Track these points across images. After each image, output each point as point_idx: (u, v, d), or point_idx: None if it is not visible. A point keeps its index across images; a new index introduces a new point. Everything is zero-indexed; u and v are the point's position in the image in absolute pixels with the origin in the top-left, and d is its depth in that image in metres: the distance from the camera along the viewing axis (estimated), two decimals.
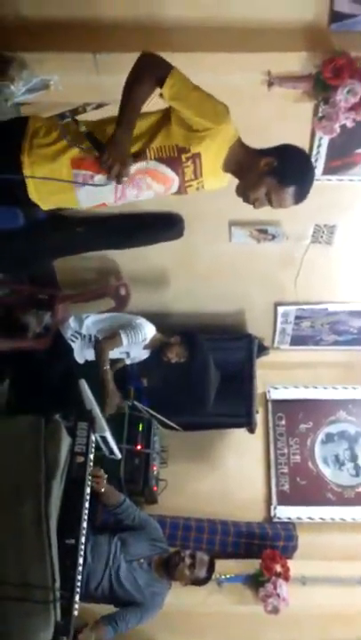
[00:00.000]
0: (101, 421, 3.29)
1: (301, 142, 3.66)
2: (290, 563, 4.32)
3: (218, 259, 4.74)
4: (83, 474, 3.04)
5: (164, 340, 4.00)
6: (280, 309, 5.20)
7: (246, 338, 5.14)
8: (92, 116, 3.27)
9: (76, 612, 2.83)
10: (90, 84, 3.43)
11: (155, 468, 4.51)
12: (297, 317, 5.26)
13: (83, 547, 2.92)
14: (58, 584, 2.73)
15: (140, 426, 4.47)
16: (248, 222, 4.44)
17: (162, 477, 4.66)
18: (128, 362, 4.14)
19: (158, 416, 4.49)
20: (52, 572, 2.73)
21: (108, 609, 3.38)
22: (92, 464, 3.11)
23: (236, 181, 2.50)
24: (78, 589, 2.85)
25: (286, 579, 4.20)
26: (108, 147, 2.27)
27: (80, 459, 3.07)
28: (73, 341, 3.96)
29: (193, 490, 4.84)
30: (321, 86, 3.41)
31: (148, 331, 3.96)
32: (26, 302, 4.62)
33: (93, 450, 3.15)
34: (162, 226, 4.05)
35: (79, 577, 2.87)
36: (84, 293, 4.78)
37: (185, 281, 4.95)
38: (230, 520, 4.65)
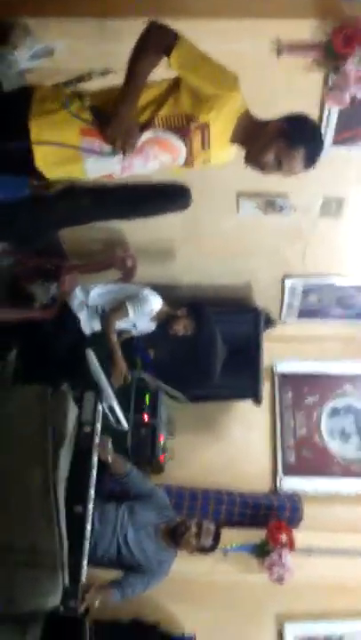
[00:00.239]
0: (108, 391, 3.30)
1: (311, 113, 3.61)
2: (295, 533, 4.36)
3: (225, 231, 4.72)
4: (90, 443, 3.07)
5: (171, 313, 3.99)
6: (287, 283, 5.18)
7: (253, 311, 5.14)
8: (97, 84, 3.23)
9: (83, 578, 2.87)
10: (95, 50, 3.40)
11: (161, 439, 4.54)
12: (304, 291, 5.25)
13: (90, 514, 2.95)
14: (66, 550, 2.77)
15: (147, 397, 4.50)
16: (256, 194, 4.41)
17: (168, 448, 4.69)
18: (134, 333, 4.15)
19: (165, 387, 4.50)
20: (60, 539, 2.77)
21: (116, 575, 3.42)
22: (99, 433, 3.13)
23: (242, 154, 2.48)
24: (86, 555, 2.89)
25: (291, 549, 4.24)
26: (112, 121, 2.26)
27: (87, 428, 3.09)
28: (79, 312, 3.97)
29: (199, 460, 4.88)
30: (331, 55, 3.36)
31: (155, 303, 3.96)
32: (32, 272, 4.61)
33: (100, 419, 3.17)
34: (168, 196, 4.02)
35: (87, 543, 2.91)
36: (90, 264, 4.77)
37: (192, 253, 4.94)
38: (236, 490, 4.69)
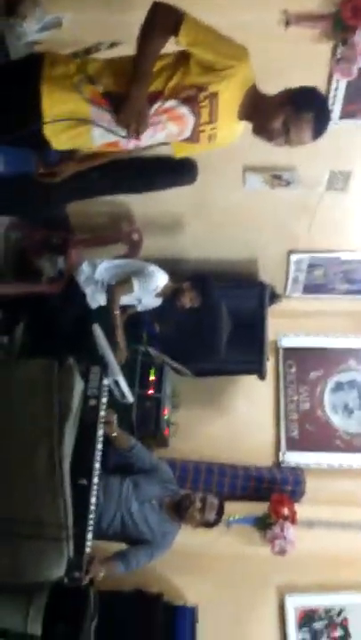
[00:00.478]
0: (114, 365, 3.31)
1: (318, 85, 3.58)
2: (297, 507, 4.39)
3: (231, 205, 4.69)
4: (95, 417, 3.08)
5: (176, 287, 4.00)
6: (293, 257, 5.17)
7: (259, 285, 5.14)
8: (105, 55, 3.20)
9: (88, 550, 2.91)
10: (103, 22, 3.36)
11: (166, 412, 4.56)
12: (310, 265, 5.24)
13: (95, 487, 2.98)
14: (71, 522, 2.80)
15: (152, 371, 4.52)
16: (262, 168, 4.38)
17: (173, 421, 4.72)
18: (139, 309, 4.15)
19: (170, 361, 4.52)
20: (65, 511, 2.80)
21: (120, 547, 3.46)
22: (104, 407, 3.15)
23: (249, 128, 2.47)
24: (91, 527, 2.92)
25: (293, 522, 4.28)
26: (124, 104, 2.26)
27: (93, 402, 3.10)
28: (86, 286, 3.97)
29: (203, 434, 4.90)
30: (340, 26, 3.33)
31: (160, 279, 3.96)
32: (39, 246, 4.62)
33: (106, 393, 3.19)
34: (175, 171, 4.00)
35: (92, 516, 2.94)
36: (97, 238, 4.77)
37: (198, 227, 4.92)
38: (240, 464, 4.72)
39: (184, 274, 4.12)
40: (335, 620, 4.27)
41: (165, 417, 4.56)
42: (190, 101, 2.33)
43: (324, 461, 4.98)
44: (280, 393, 5.25)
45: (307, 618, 4.27)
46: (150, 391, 4.47)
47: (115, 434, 3.40)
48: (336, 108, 3.78)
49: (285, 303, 5.38)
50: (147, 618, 3.91)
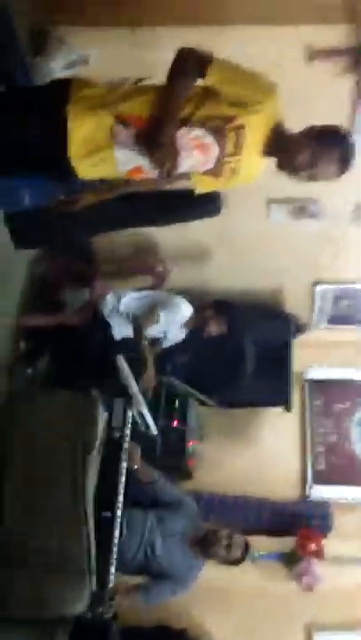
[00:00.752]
0: (138, 397, 3.31)
1: (342, 118, 3.61)
2: (324, 542, 4.33)
3: (256, 236, 4.70)
4: (119, 449, 3.08)
5: (200, 316, 3.99)
6: (318, 288, 5.15)
7: (284, 317, 5.12)
8: None
9: (111, 583, 2.89)
10: (129, 58, 3.42)
11: (191, 444, 4.54)
12: (335, 297, 5.21)
13: (119, 520, 2.96)
14: (94, 555, 2.79)
15: (177, 402, 4.50)
16: (287, 199, 4.40)
17: (197, 453, 4.68)
18: (166, 344, 4.14)
19: (195, 393, 4.50)
20: (89, 544, 2.79)
21: (143, 581, 3.42)
22: (128, 439, 3.14)
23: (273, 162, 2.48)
24: (114, 561, 2.90)
25: (320, 558, 4.21)
26: (157, 146, 2.30)
27: (116, 434, 3.11)
28: (111, 318, 3.99)
29: (229, 466, 4.86)
30: None
31: (186, 310, 3.97)
32: (64, 278, 4.65)
33: (130, 425, 3.19)
34: (200, 203, 4.03)
35: (115, 549, 2.92)
36: (122, 270, 4.80)
37: (222, 258, 4.93)
38: (266, 497, 4.67)
39: (206, 305, 4.11)
40: None
41: (190, 449, 4.54)
42: (217, 131, 2.34)
43: (352, 495, 4.90)
44: (306, 425, 5.20)
45: None
46: (175, 423, 4.45)
47: (137, 467, 3.37)
48: (359, 141, 3.78)
49: (311, 334, 5.34)
50: None
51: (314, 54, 3.46)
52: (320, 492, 4.91)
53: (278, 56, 3.40)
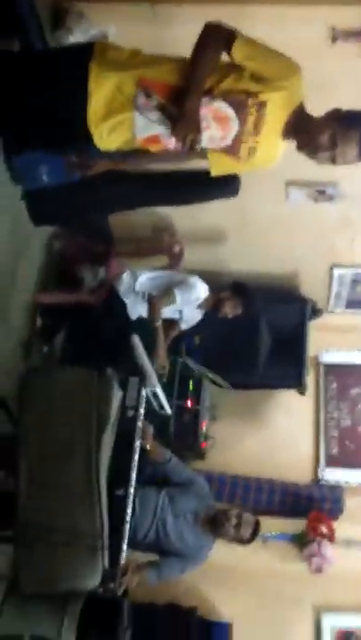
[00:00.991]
0: (152, 377, 3.32)
1: None
2: (335, 524, 4.34)
3: (273, 219, 4.69)
4: (133, 427, 3.09)
5: (216, 297, 3.99)
6: (336, 272, 5.13)
7: (300, 300, 5.10)
8: None
9: (123, 560, 2.91)
10: (147, 35, 3.38)
11: (204, 425, 4.56)
12: (353, 281, 5.18)
13: (131, 497, 2.98)
14: (106, 532, 2.81)
15: (191, 383, 4.52)
16: (306, 182, 4.37)
17: (211, 434, 4.70)
18: (183, 326, 4.14)
19: (209, 374, 4.51)
20: (102, 521, 2.80)
21: (154, 558, 3.45)
22: (142, 418, 3.15)
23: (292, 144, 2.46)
24: (126, 538, 2.92)
25: (331, 540, 4.23)
26: (180, 117, 2.28)
27: (130, 413, 3.11)
28: (127, 297, 4.00)
29: (241, 448, 4.88)
30: None
31: (202, 290, 3.96)
32: (81, 256, 4.66)
33: (144, 404, 3.20)
34: (217, 183, 4.01)
35: (127, 526, 2.94)
36: (138, 249, 4.80)
37: (239, 240, 4.92)
38: (277, 479, 4.68)
39: (224, 286, 4.10)
40: None
41: (203, 430, 4.55)
42: (238, 105, 2.32)
43: None
44: (320, 409, 5.20)
45: (344, 639, 4.21)
46: (189, 403, 4.46)
47: (150, 446, 3.39)
48: None
49: (327, 318, 5.32)
50: (181, 631, 3.90)
51: (337, 35, 3.42)
52: (332, 475, 4.92)
53: (301, 36, 3.36)
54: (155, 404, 3.57)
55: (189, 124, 2.30)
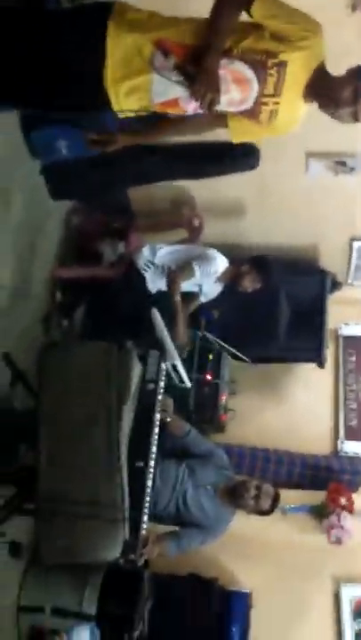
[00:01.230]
0: (172, 350, 3.33)
1: None
2: (355, 496, 4.35)
3: (293, 191, 4.65)
4: (153, 400, 3.10)
5: (236, 271, 3.98)
6: (356, 244, 5.08)
7: (320, 273, 5.07)
8: None
9: (143, 532, 2.94)
10: None
11: (223, 398, 4.57)
12: None
13: (151, 470, 3.01)
14: (127, 503, 2.83)
15: (210, 356, 4.52)
16: (326, 154, 4.32)
17: (230, 407, 4.71)
18: (203, 299, 4.14)
19: (228, 347, 4.52)
20: (122, 493, 2.83)
21: (173, 530, 3.49)
22: (162, 391, 3.17)
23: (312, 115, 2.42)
24: (146, 510, 2.95)
25: (351, 511, 4.25)
26: (199, 75, 2.23)
27: (150, 386, 3.12)
28: (146, 271, 4.00)
29: (260, 421, 4.89)
30: None
31: (221, 263, 3.96)
32: (100, 231, 4.66)
33: (164, 377, 3.21)
34: (236, 156, 3.99)
35: (148, 498, 2.97)
36: (157, 223, 4.79)
37: (258, 213, 4.89)
38: (297, 452, 4.70)
39: (244, 259, 4.09)
40: None
41: (223, 403, 4.57)
42: (258, 66, 2.27)
43: None
44: (339, 381, 5.20)
45: None
46: (208, 376, 4.47)
47: (170, 419, 3.41)
48: None
49: (347, 291, 5.29)
50: (202, 601, 3.95)
51: (357, 3, 3.36)
52: (351, 447, 4.93)
53: (320, 3, 3.30)
54: (174, 377, 3.58)
55: (208, 81, 2.24)
